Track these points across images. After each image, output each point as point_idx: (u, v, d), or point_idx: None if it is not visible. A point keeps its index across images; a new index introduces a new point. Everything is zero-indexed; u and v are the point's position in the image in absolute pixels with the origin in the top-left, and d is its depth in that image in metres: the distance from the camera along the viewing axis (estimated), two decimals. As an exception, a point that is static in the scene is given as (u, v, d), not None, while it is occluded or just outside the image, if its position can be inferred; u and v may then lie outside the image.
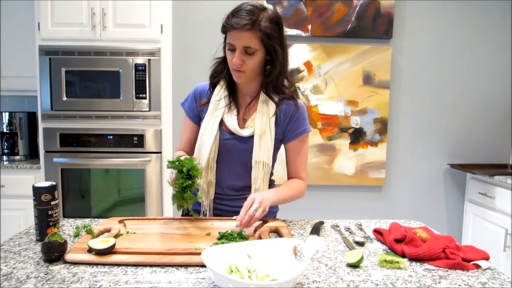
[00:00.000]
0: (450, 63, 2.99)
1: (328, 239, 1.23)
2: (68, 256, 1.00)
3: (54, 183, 1.16)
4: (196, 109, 1.43)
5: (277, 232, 1.25)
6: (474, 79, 3.01)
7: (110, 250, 1.01)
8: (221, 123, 1.37)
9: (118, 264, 0.98)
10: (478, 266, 1.02)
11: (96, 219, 1.38)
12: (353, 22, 2.88)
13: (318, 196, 3.01)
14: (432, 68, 2.99)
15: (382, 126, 2.97)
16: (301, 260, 1.01)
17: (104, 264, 0.98)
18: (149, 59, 2.56)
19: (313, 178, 2.96)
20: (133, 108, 2.59)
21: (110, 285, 0.88)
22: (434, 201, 3.11)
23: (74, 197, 2.66)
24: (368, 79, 2.93)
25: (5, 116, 2.85)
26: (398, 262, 1.01)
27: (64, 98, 2.58)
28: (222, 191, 1.41)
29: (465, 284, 0.93)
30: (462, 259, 1.03)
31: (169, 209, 2.68)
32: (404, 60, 2.98)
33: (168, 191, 2.61)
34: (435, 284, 0.93)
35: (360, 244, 1.18)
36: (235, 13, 1.24)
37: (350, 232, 1.30)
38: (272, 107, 1.35)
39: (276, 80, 1.33)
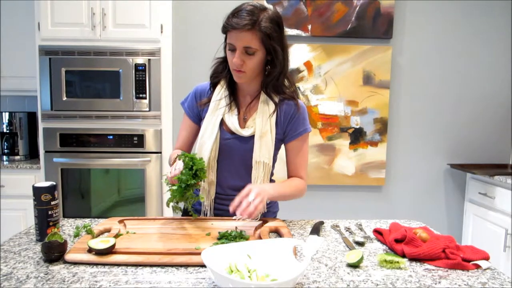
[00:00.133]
0: (450, 63, 2.99)
1: (328, 239, 1.23)
2: (68, 256, 1.00)
3: (54, 183, 1.16)
4: (196, 109, 1.43)
5: (277, 232, 1.25)
6: (474, 79, 3.01)
7: (110, 250, 1.01)
8: (222, 123, 1.37)
9: (118, 264, 0.98)
10: (478, 266, 1.02)
11: (96, 219, 1.38)
12: (353, 22, 2.88)
13: (318, 196, 3.01)
14: (432, 68, 2.99)
15: (382, 126, 2.97)
16: (301, 260, 1.01)
17: (104, 264, 0.98)
18: (149, 59, 2.56)
19: (313, 178, 2.96)
20: (133, 108, 2.59)
21: (110, 285, 0.88)
22: (434, 201, 3.11)
23: (74, 197, 2.66)
24: (368, 79, 2.93)
25: (5, 116, 2.85)
26: (398, 262, 1.01)
27: (64, 98, 2.58)
28: (222, 191, 1.41)
29: (465, 284, 0.93)
30: (462, 259, 1.03)
31: (169, 209, 2.65)
32: (404, 60, 2.98)
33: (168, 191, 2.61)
34: (435, 284, 0.93)
35: (360, 244, 1.18)
36: (235, 13, 1.23)
37: (350, 232, 1.30)
38: (272, 107, 1.35)
39: (276, 80, 1.32)
